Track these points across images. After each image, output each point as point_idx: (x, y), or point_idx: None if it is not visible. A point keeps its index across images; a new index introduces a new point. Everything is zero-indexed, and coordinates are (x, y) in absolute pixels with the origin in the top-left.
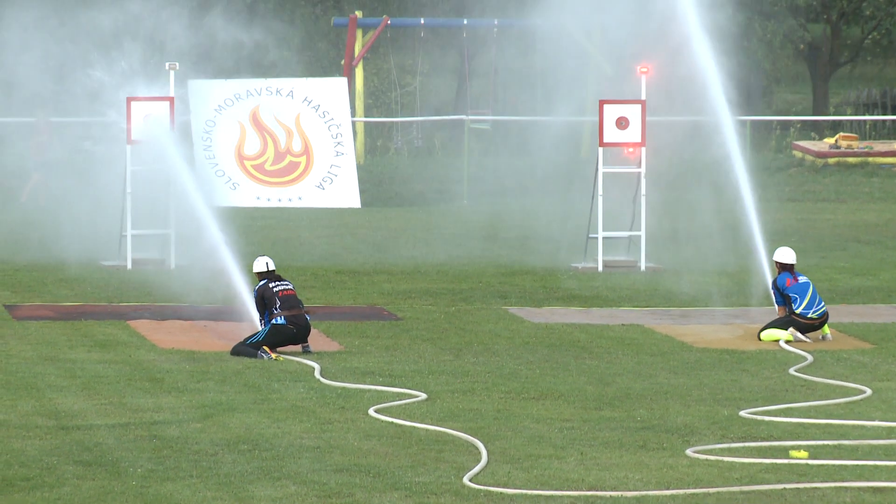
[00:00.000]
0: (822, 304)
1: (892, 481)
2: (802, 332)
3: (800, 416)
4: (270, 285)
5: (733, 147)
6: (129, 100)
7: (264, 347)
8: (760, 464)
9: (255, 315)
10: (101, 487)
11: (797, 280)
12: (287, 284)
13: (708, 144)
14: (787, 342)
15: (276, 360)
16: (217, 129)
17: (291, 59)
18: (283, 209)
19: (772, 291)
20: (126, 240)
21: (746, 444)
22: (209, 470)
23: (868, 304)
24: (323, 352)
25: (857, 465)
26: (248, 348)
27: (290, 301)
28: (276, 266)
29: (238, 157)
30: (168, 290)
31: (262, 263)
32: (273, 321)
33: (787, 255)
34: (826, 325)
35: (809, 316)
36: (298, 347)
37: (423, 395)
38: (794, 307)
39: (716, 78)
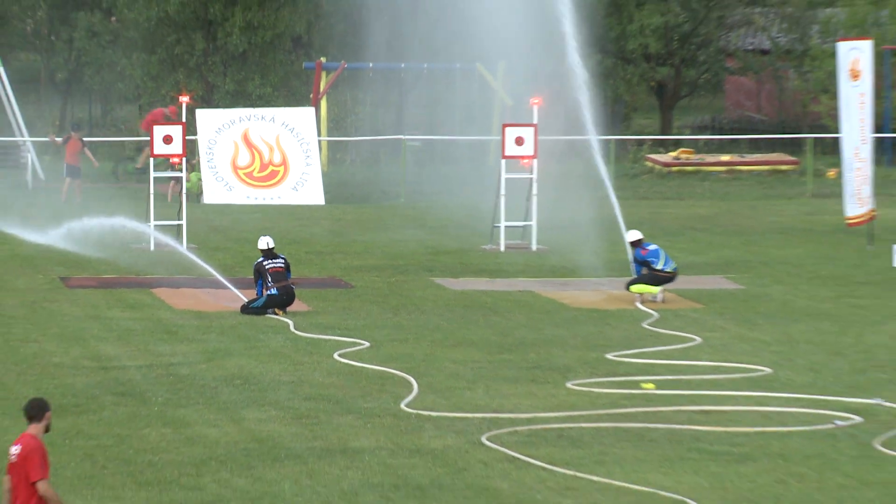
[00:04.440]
0: (672, 261)
1: (716, 405)
2: (661, 284)
3: (649, 358)
4: (265, 263)
5: (599, 159)
6: (152, 125)
7: (274, 310)
8: (620, 393)
9: (230, 284)
10: (131, 412)
11: (648, 249)
12: (278, 263)
13: (582, 157)
14: (642, 302)
15: (280, 316)
16: (217, 146)
17: (273, 93)
18: (266, 205)
19: (632, 264)
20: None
21: (610, 379)
22: (211, 399)
23: (699, 275)
24: (296, 311)
25: (691, 394)
26: (256, 310)
27: (278, 276)
28: (275, 243)
29: (233, 166)
30: (179, 266)
31: (263, 242)
32: (268, 292)
33: (633, 234)
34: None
35: (667, 270)
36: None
37: (367, 343)
38: (654, 267)
39: (588, 107)
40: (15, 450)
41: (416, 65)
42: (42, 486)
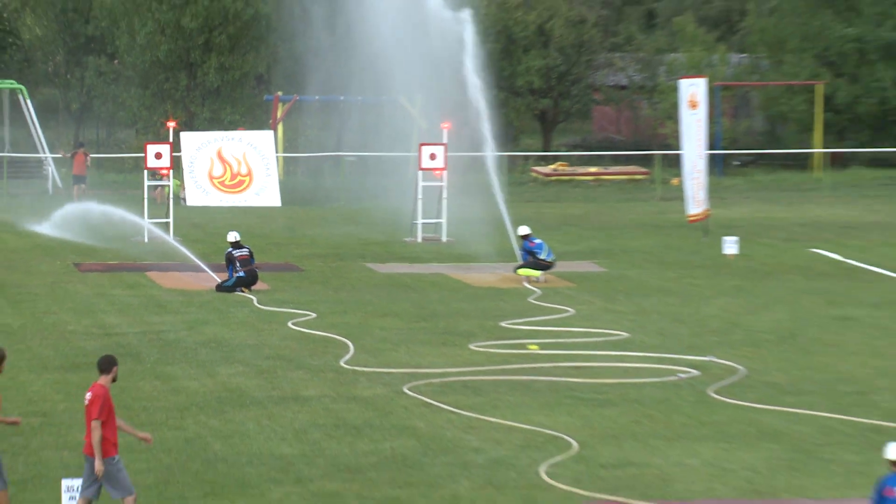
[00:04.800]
0: (552, 253)
1: (586, 362)
2: (542, 270)
3: (534, 325)
4: (234, 252)
5: (493, 171)
6: (145, 144)
7: (241, 288)
8: (511, 353)
9: (207, 268)
10: (129, 368)
11: (534, 242)
12: (244, 252)
13: (481, 169)
14: (528, 281)
15: (246, 294)
16: (197, 161)
17: (241, 119)
18: (235, 207)
19: (521, 252)
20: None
21: (503, 342)
22: (192, 358)
23: (572, 261)
24: (258, 290)
25: (566, 353)
26: (227, 288)
27: (245, 262)
28: (241, 236)
29: (209, 177)
30: (167, 254)
31: (232, 236)
32: (237, 275)
33: (523, 229)
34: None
35: (548, 260)
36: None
37: (314, 314)
38: (538, 256)
39: (487, 130)
40: (88, 395)
41: (353, 97)
42: (94, 425)
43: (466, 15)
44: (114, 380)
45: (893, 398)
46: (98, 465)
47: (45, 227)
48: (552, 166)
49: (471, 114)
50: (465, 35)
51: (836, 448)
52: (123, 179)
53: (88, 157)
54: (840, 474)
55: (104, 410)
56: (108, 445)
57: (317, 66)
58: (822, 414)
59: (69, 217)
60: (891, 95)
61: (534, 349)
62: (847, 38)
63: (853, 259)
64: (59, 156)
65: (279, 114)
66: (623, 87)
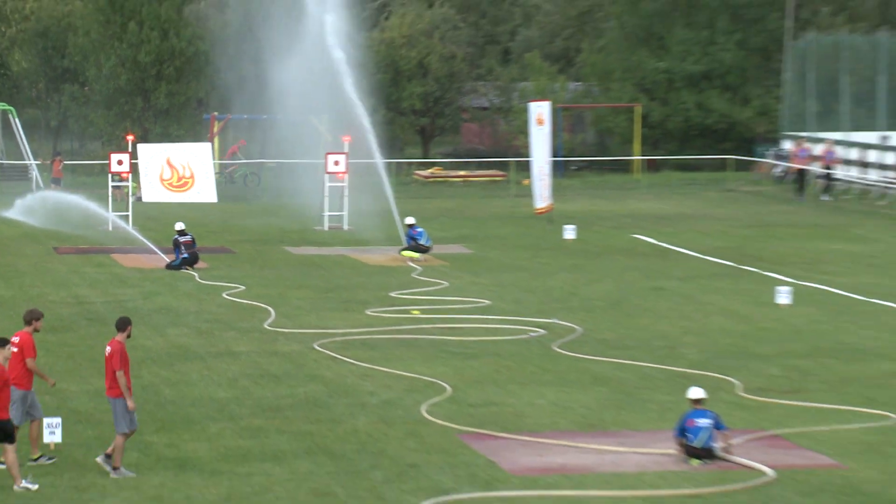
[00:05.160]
0: (430, 239)
1: (451, 324)
2: (422, 252)
3: (417, 295)
4: (180, 238)
5: (383, 173)
6: (109, 153)
7: (186, 267)
8: (400, 317)
9: (159, 251)
10: (97, 330)
11: (417, 231)
12: (188, 238)
13: (375, 172)
14: (411, 261)
15: (189, 271)
16: (151, 167)
17: (185, 134)
18: (181, 203)
19: (405, 238)
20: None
21: (393, 308)
22: (147, 321)
23: (446, 244)
24: (200, 268)
25: (441, 317)
26: (175, 267)
27: (189, 246)
28: (185, 226)
29: (161, 179)
30: (127, 240)
31: (178, 225)
32: (182, 256)
33: (409, 219)
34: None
35: (427, 245)
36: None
37: (244, 287)
38: (419, 242)
39: (373, 142)
40: (108, 349)
41: (273, 116)
42: (118, 374)
43: (340, 54)
44: (128, 336)
45: (696, 351)
46: (131, 404)
47: (21, 213)
48: (430, 170)
49: (365, 130)
50: (341, 69)
51: (652, 391)
52: (93, 181)
53: (62, 163)
54: (655, 411)
55: (123, 361)
56: (123, 389)
57: (245, 91)
58: (641, 364)
59: (48, 203)
60: (693, 115)
61: (416, 314)
62: (658, 70)
63: (665, 242)
64: (40, 162)
65: (215, 129)
66: (485, 108)
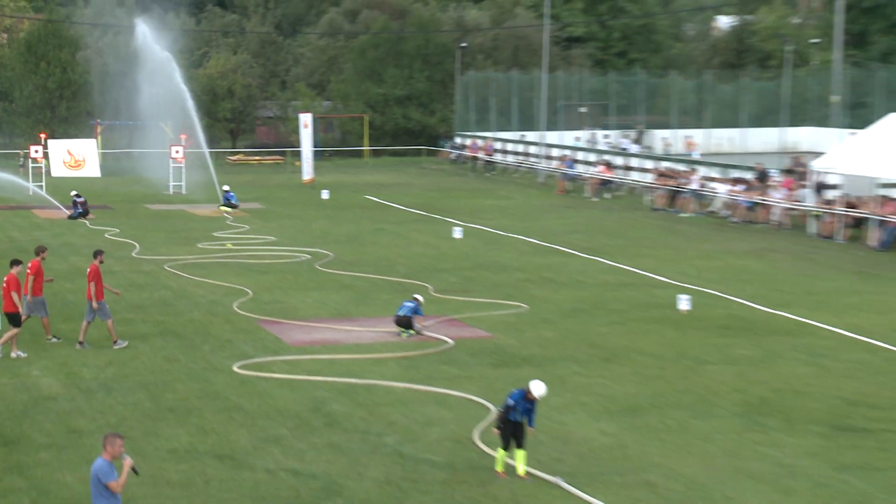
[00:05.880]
0: (238, 200)
1: (256, 252)
2: (232, 208)
3: (229, 236)
4: (77, 199)
5: (209, 158)
6: (29, 145)
7: (80, 217)
8: (218, 248)
9: (63, 207)
10: (24, 258)
11: (230, 194)
12: (82, 199)
13: (203, 158)
14: (226, 213)
15: (84, 220)
16: (57, 155)
17: (79, 134)
18: (77, 177)
19: (222, 198)
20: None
21: (214, 244)
22: (56, 253)
23: (247, 202)
24: (90, 219)
25: (246, 248)
26: (73, 218)
27: (83, 204)
28: (79, 191)
29: (64, 163)
30: (42, 200)
31: (73, 192)
32: (77, 210)
33: (225, 186)
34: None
35: (236, 203)
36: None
37: (119, 230)
38: (231, 201)
39: (201, 137)
40: (88, 269)
41: (136, 121)
42: (91, 286)
43: (181, 83)
44: (101, 262)
45: (405, 267)
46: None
47: None
48: (236, 157)
49: (195, 130)
50: (181, 91)
51: (380, 292)
52: (16, 165)
53: None
54: (380, 305)
55: (97, 277)
56: (100, 294)
57: (118, 106)
58: (371, 276)
59: None
60: (400, 122)
61: (230, 246)
62: (379, 93)
63: (384, 200)
64: None
65: (98, 130)
66: (271, 117)
